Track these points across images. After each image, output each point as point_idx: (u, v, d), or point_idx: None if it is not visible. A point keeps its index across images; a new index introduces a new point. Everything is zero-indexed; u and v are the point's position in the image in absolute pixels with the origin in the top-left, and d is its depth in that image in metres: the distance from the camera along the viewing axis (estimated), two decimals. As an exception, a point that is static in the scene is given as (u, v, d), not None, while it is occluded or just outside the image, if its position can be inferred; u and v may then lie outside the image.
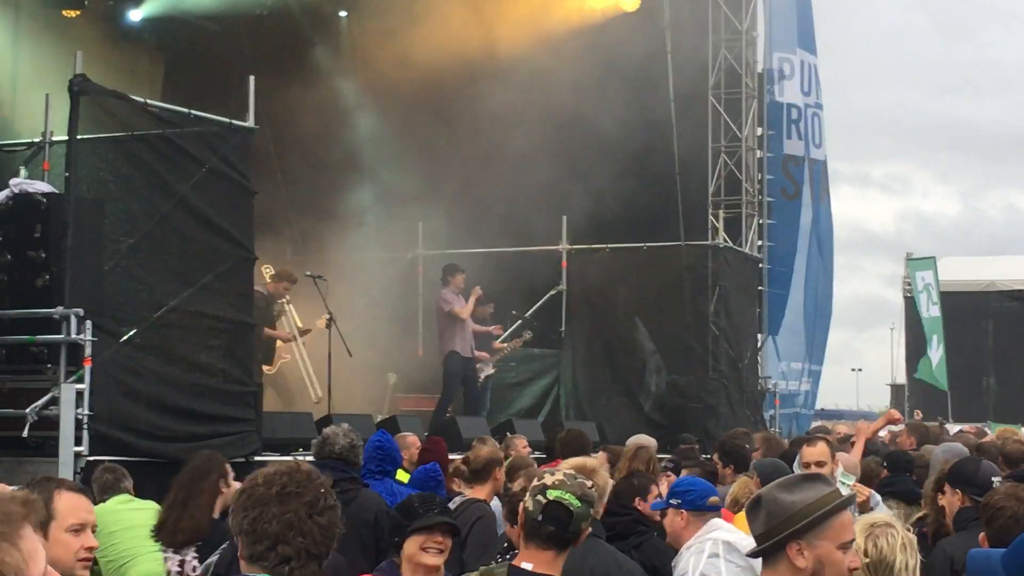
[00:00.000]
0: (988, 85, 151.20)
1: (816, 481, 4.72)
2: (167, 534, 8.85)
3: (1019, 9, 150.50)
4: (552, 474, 5.84)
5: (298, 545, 4.27)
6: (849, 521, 4.67)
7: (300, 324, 21.09)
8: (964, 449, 12.93)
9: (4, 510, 3.11)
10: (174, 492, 9.03)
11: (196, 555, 8.68)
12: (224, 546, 7.71)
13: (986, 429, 23.03)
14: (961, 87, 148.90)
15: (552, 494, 5.70)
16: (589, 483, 5.91)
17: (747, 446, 13.56)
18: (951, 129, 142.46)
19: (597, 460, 10.09)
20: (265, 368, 19.47)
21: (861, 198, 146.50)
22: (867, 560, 5.67)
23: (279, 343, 20.59)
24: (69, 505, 5.76)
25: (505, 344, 22.53)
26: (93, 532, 5.81)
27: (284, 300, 20.51)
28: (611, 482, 8.37)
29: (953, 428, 21.83)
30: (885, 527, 5.80)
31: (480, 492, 10.49)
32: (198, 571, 8.48)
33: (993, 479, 8.54)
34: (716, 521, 7.94)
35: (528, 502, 5.72)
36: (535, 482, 5.82)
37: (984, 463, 9.01)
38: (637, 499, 9.66)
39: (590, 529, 5.87)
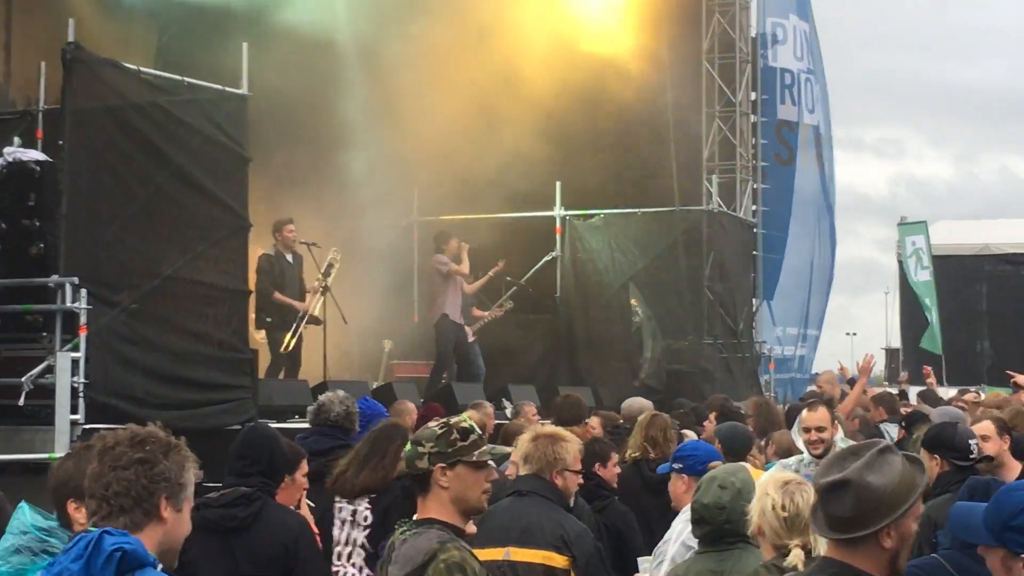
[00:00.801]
0: (981, 48, 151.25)
1: (888, 454, 4.57)
2: (343, 485, 9.08)
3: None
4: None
5: (99, 495, 4.45)
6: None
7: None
8: (959, 412, 12.97)
9: None
10: (356, 449, 9.31)
11: (368, 506, 9.02)
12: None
13: (980, 393, 23.06)
14: (955, 50, 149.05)
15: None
16: (435, 423, 6.11)
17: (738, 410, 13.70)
18: (944, 92, 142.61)
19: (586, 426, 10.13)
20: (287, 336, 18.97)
21: (855, 162, 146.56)
22: (784, 515, 5.88)
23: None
24: None
25: (485, 313, 22.43)
26: None
27: (303, 244, 19.44)
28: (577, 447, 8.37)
29: (948, 392, 21.83)
30: (798, 484, 6.00)
31: None
32: (369, 520, 8.96)
33: (970, 442, 8.65)
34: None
35: None
36: None
37: (960, 427, 9.15)
38: (597, 465, 9.84)
39: (439, 464, 5.97)
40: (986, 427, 9.46)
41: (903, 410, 16.56)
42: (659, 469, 8.87)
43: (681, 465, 8.22)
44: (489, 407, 14.60)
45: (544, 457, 7.90)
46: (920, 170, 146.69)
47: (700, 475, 8.00)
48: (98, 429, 11.57)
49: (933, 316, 33.70)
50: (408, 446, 6.08)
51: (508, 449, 10.89)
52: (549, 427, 9.06)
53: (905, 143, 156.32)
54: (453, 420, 6.16)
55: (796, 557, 5.76)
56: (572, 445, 8.07)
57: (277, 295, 18.68)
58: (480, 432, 6.18)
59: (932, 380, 21.47)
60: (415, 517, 6.02)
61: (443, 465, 5.95)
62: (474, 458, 6.01)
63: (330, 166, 24.63)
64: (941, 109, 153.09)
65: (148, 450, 4.46)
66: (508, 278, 23.20)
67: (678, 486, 8.19)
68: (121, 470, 4.41)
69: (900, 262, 36.34)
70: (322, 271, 19.48)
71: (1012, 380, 17.57)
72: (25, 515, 5.66)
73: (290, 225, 19.07)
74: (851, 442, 10.19)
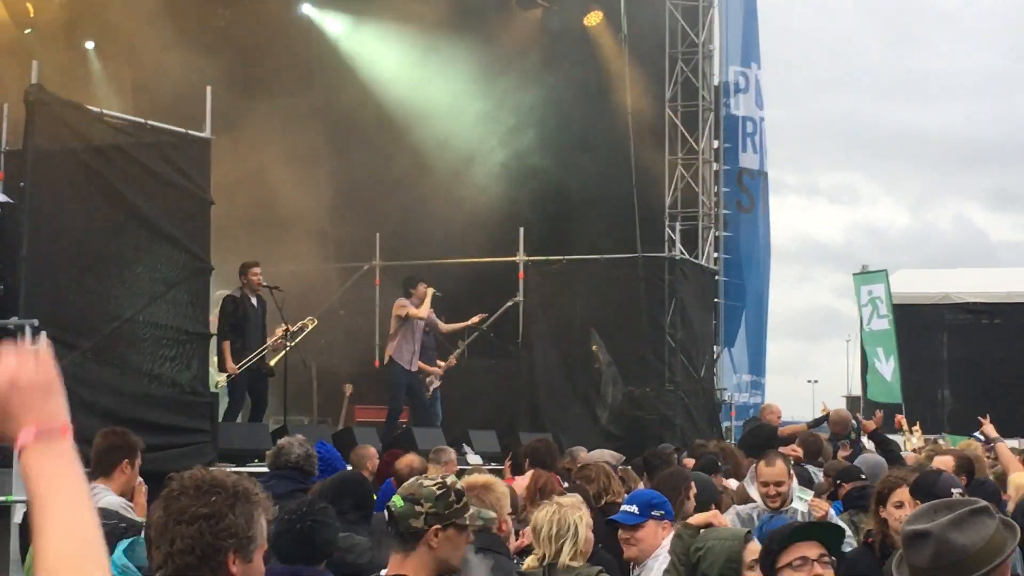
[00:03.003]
0: (937, 94, 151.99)
1: (982, 515, 4.45)
2: None
3: (968, 17, 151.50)
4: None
5: (164, 550, 4.27)
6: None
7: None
8: (881, 462, 13.08)
9: None
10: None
11: None
12: None
13: (940, 441, 23.17)
14: (910, 96, 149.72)
15: (389, 502, 5.95)
16: (430, 482, 6.01)
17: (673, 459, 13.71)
18: (899, 138, 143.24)
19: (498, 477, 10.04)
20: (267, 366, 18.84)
21: (810, 208, 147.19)
22: None
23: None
24: None
25: (443, 363, 22.31)
26: None
27: (265, 287, 19.04)
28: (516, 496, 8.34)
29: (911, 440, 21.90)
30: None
31: None
32: None
33: (953, 490, 8.69)
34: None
35: None
36: None
37: (944, 475, 9.14)
38: None
39: (435, 525, 5.86)
40: (946, 462, 9.54)
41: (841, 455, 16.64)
42: (625, 519, 8.47)
43: (662, 512, 8.18)
44: (451, 452, 14.58)
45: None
46: (876, 217, 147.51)
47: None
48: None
49: (887, 365, 33.76)
50: (401, 502, 5.90)
51: (493, 514, 10.87)
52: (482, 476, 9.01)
53: (860, 189, 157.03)
54: (449, 480, 6.09)
55: None
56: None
57: (225, 345, 18.44)
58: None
59: (916, 428, 21.52)
60: (387, 573, 5.92)
61: (438, 527, 5.85)
62: (466, 521, 5.95)
63: (293, 208, 24.62)
64: (896, 155, 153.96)
65: (213, 502, 4.26)
66: (470, 322, 23.21)
67: (659, 533, 8.09)
68: (186, 525, 4.21)
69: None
70: (292, 329, 19.37)
71: (981, 428, 17.70)
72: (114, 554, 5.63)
73: (256, 268, 18.93)
74: (809, 493, 10.24)
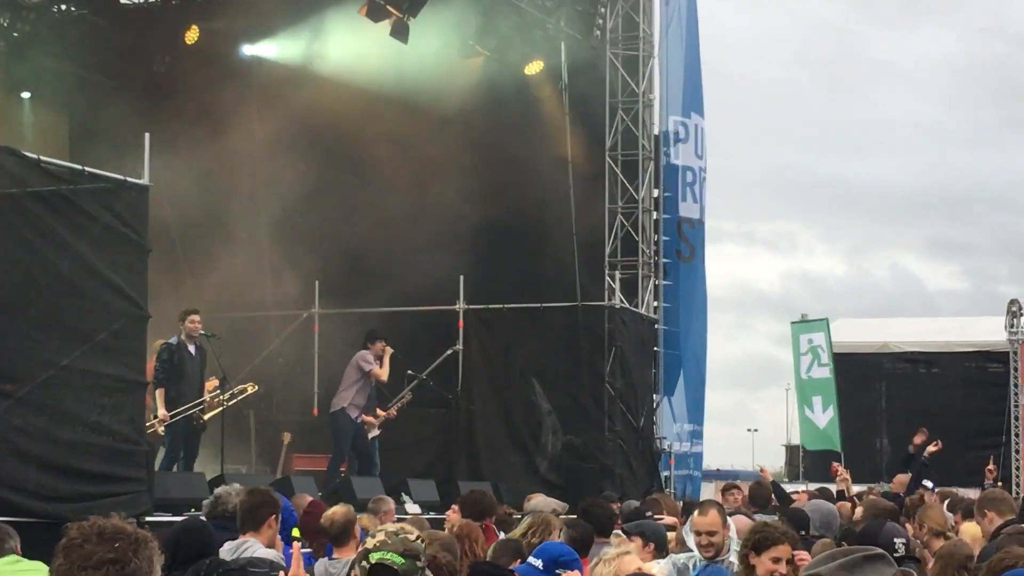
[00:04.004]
0: (872, 144, 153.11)
1: (878, 562, 4.53)
2: None
3: (906, 67, 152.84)
4: (373, 536, 5.91)
5: None
6: None
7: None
8: (831, 508, 13.10)
9: None
10: None
11: None
12: None
13: (878, 490, 23.23)
14: (845, 146, 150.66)
15: (374, 557, 5.78)
16: (413, 536, 5.94)
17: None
18: (835, 188, 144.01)
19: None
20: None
21: (747, 256, 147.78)
22: None
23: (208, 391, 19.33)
24: None
25: (383, 412, 22.19)
26: None
27: (203, 335, 19.05)
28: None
29: (854, 489, 21.94)
30: None
31: (346, 554, 10.39)
32: None
33: (895, 540, 8.72)
34: None
35: (356, 571, 5.78)
36: (359, 549, 5.89)
37: (888, 525, 9.24)
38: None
39: None
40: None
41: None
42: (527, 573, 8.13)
43: (569, 570, 7.92)
44: (390, 502, 14.49)
45: None
46: (812, 265, 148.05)
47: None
48: (-12, 521, 11.39)
49: (824, 415, 33.89)
50: (401, 559, 5.78)
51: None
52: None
53: (797, 237, 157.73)
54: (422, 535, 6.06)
55: None
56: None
57: (159, 392, 18.33)
58: None
59: (846, 476, 21.55)
60: None
61: None
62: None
63: (231, 256, 24.54)
64: (832, 205, 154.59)
65: (118, 547, 4.23)
66: (409, 371, 23.13)
67: None
68: (92, 571, 4.17)
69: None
70: (231, 391, 19.25)
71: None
72: None
73: (195, 316, 18.88)
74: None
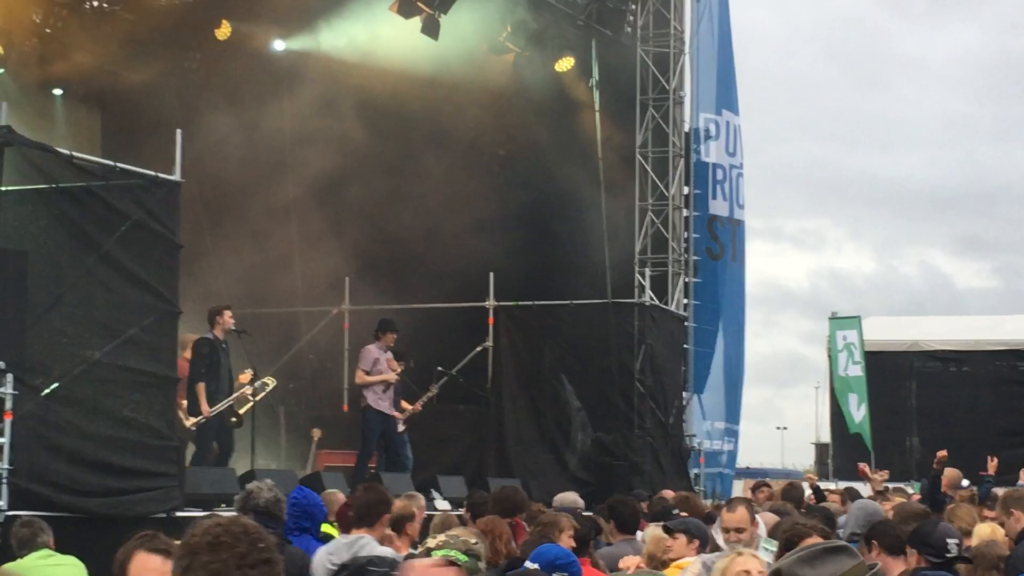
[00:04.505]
0: (900, 141, 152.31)
1: (839, 553, 4.52)
2: None
3: (934, 62, 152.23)
4: (434, 537, 5.89)
5: None
6: None
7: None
8: (877, 507, 13.02)
9: None
10: None
11: None
12: None
13: (908, 488, 23.14)
14: (874, 142, 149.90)
15: (438, 553, 5.75)
16: (474, 540, 5.93)
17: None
18: (864, 184, 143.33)
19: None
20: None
21: (775, 253, 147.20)
22: None
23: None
24: (140, 566, 5.62)
25: (410, 406, 22.16)
26: None
27: (234, 331, 19.03)
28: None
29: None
30: None
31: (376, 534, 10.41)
32: None
33: (949, 541, 8.68)
34: None
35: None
36: (420, 547, 5.86)
37: (942, 525, 9.14)
38: None
39: None
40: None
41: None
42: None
43: (566, 574, 7.82)
44: (420, 499, 14.49)
45: None
46: (841, 263, 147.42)
47: None
48: (20, 516, 11.46)
49: (860, 409, 33.85)
50: (465, 557, 5.68)
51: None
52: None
53: (825, 234, 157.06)
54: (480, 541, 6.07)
55: None
56: None
57: (199, 387, 18.41)
58: None
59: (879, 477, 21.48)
60: None
61: None
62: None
63: (262, 251, 24.60)
64: (860, 201, 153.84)
65: (263, 548, 4.23)
66: (439, 368, 23.13)
67: None
68: (248, 569, 4.16)
69: (830, 356, 36.54)
70: (256, 385, 19.26)
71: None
72: None
73: (228, 311, 18.90)
74: (775, 543, 10.18)
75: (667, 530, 10.80)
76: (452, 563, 5.68)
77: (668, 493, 18.17)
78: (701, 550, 10.19)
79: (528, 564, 7.80)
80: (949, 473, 18.61)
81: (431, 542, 5.85)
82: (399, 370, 21.23)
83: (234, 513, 10.48)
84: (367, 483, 11.22)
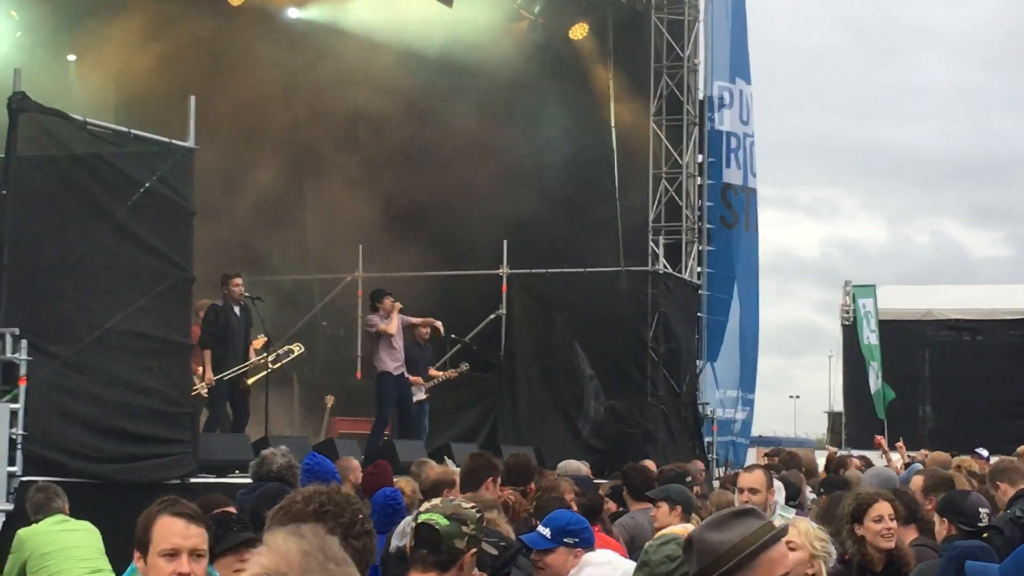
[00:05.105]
0: (913, 110, 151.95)
1: (747, 516, 4.62)
2: None
3: (945, 33, 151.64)
4: (431, 502, 5.95)
5: None
6: (782, 555, 4.58)
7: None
8: (892, 475, 13.01)
9: None
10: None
11: None
12: None
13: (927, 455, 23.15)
14: (887, 112, 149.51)
15: (421, 517, 5.82)
16: (468, 505, 5.95)
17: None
18: (877, 154, 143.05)
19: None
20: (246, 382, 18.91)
21: (788, 222, 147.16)
22: None
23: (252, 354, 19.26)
24: (164, 529, 5.60)
25: (440, 372, 22.25)
26: (196, 557, 5.55)
27: (247, 298, 18.89)
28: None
29: (893, 456, 21.90)
30: None
31: None
32: None
33: (980, 510, 8.75)
34: (588, 556, 7.68)
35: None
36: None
37: (973, 495, 9.18)
38: None
39: (472, 548, 5.81)
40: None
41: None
42: (534, 543, 7.72)
43: (576, 539, 7.60)
44: (434, 465, 14.51)
45: None
46: (853, 232, 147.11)
47: (591, 547, 7.67)
48: (35, 481, 11.51)
49: (878, 380, 33.89)
50: (445, 520, 5.78)
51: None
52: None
53: (838, 203, 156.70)
54: (478, 504, 6.09)
55: None
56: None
57: (206, 354, 18.39)
58: None
59: (902, 447, 21.58)
60: None
61: (474, 550, 5.82)
62: (488, 548, 5.98)
63: (277, 220, 24.61)
64: (873, 171, 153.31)
65: (363, 518, 4.28)
66: (453, 336, 23.15)
67: (570, 560, 7.47)
68: (353, 540, 4.19)
69: (844, 325, 36.52)
70: (276, 352, 19.27)
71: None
72: None
73: (237, 279, 18.87)
74: (792, 511, 10.17)
75: (651, 500, 10.83)
76: (430, 526, 5.73)
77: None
78: (686, 517, 10.18)
79: (540, 528, 7.74)
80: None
81: (423, 506, 5.91)
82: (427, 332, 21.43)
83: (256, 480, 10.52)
84: (475, 451, 11.60)
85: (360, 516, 4.21)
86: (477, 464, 10.46)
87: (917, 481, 11.01)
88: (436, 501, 5.96)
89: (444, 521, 5.77)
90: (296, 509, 4.25)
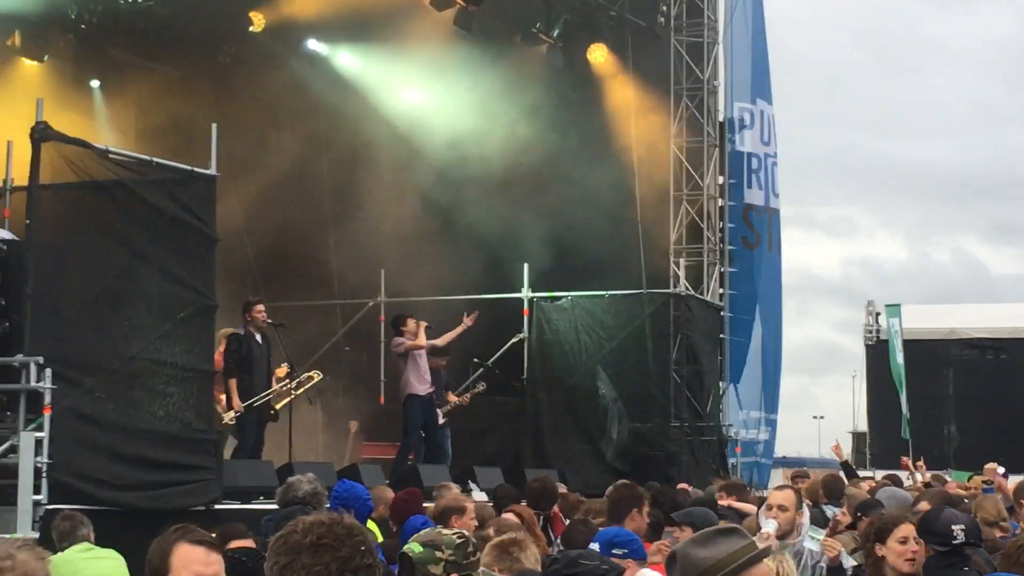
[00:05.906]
0: (930, 127, 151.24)
1: (731, 535, 4.72)
2: None
3: (964, 48, 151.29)
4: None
5: None
6: (763, 574, 4.67)
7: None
8: (905, 495, 12.92)
9: None
10: None
11: None
12: None
13: (946, 477, 23.09)
14: (904, 129, 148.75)
15: (405, 548, 5.87)
16: (450, 531, 5.99)
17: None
18: (894, 171, 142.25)
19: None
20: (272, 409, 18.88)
21: (807, 241, 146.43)
22: None
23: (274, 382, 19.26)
24: (184, 557, 5.58)
25: (457, 398, 22.21)
26: None
27: (269, 324, 18.98)
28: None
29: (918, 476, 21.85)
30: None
31: None
32: None
33: (953, 528, 8.41)
34: (644, 572, 7.74)
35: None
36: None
37: (945, 513, 8.76)
38: None
39: (452, 574, 5.81)
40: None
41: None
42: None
43: (625, 551, 7.81)
44: (456, 489, 14.50)
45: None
46: (873, 250, 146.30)
47: (643, 560, 7.82)
48: (61, 510, 11.52)
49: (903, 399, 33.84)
50: (420, 548, 5.83)
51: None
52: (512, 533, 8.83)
53: (857, 222, 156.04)
54: (466, 532, 6.09)
55: None
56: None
57: (231, 383, 18.38)
58: None
59: (922, 467, 21.50)
60: None
61: (456, 575, 5.82)
62: (480, 574, 5.95)
63: (296, 245, 24.64)
64: (892, 188, 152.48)
65: (364, 551, 4.17)
66: (475, 359, 23.16)
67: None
68: (349, 574, 4.09)
69: (868, 345, 36.48)
70: (298, 379, 19.30)
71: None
72: None
73: (259, 305, 18.87)
74: (822, 532, 10.13)
75: (673, 522, 10.81)
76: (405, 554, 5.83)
77: (683, 486, 18.05)
78: None
79: (592, 544, 7.91)
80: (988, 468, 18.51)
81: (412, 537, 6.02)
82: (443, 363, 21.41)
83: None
84: (621, 482, 11.55)
85: (362, 549, 4.15)
86: (622, 495, 10.46)
87: (924, 506, 10.92)
88: (426, 529, 6.06)
89: (419, 549, 5.82)
90: (294, 540, 4.19)
